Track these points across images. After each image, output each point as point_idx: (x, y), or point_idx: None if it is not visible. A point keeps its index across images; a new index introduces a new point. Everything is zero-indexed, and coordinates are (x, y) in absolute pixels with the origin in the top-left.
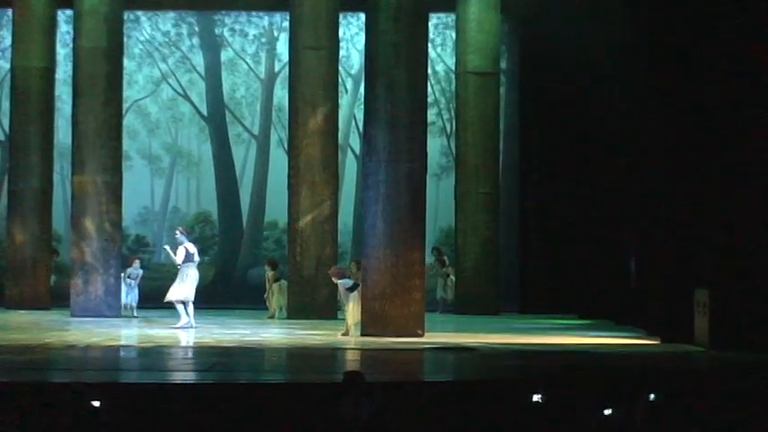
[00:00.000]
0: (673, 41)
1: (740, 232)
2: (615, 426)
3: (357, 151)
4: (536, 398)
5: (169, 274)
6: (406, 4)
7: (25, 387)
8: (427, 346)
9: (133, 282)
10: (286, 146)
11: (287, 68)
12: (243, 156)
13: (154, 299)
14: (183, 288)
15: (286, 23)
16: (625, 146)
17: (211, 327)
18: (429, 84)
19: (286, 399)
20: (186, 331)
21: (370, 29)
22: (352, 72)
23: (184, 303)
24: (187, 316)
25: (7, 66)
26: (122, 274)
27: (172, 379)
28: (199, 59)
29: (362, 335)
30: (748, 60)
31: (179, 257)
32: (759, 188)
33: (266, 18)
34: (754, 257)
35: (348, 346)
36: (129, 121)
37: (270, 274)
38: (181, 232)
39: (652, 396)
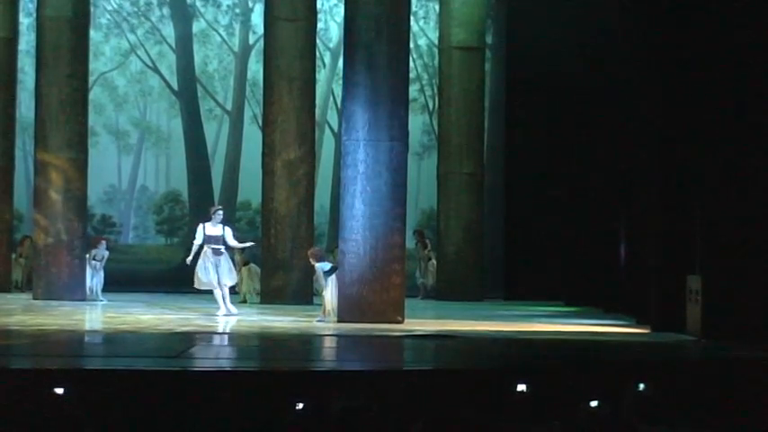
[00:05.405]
0: (666, 15)
1: (735, 216)
2: (602, 417)
3: (335, 129)
4: (520, 388)
5: (136, 256)
6: None
7: None
8: (407, 333)
9: (98, 264)
10: (260, 122)
11: (262, 41)
12: (215, 132)
13: (119, 282)
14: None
15: None
16: (615, 126)
17: (180, 311)
18: (411, 58)
19: (259, 387)
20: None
21: (349, 0)
22: (331, 45)
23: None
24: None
25: None
26: (87, 256)
27: (138, 366)
28: (169, 30)
29: (339, 321)
30: (751, 33)
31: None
32: (754, 171)
33: None
34: (750, 243)
35: (324, 333)
36: (95, 94)
37: (239, 257)
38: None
39: (641, 387)
